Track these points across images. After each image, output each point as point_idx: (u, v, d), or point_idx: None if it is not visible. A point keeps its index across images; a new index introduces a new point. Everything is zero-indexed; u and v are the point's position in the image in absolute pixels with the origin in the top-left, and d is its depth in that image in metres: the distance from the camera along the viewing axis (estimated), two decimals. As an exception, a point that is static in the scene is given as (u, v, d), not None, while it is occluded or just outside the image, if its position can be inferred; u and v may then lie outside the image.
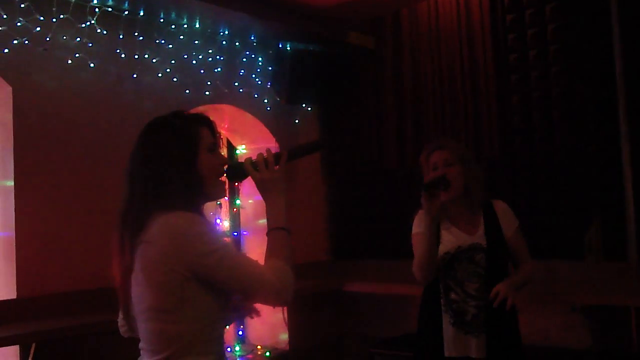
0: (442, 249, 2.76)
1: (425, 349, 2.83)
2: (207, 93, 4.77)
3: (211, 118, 1.88)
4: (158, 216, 1.66)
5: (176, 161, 1.72)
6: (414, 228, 2.87)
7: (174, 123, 1.80)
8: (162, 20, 4.42)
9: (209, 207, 5.01)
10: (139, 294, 1.70)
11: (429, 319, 2.81)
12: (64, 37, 3.91)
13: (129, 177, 1.76)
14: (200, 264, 1.64)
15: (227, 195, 5.35)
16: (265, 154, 1.87)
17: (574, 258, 4.19)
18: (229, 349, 5.08)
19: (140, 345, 1.73)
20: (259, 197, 1.89)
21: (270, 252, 1.80)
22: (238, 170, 1.89)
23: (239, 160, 1.92)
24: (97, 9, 4.00)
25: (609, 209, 4.11)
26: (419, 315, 2.92)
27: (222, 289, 1.69)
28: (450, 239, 2.76)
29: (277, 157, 1.88)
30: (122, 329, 1.86)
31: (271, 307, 1.82)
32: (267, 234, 1.83)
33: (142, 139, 1.79)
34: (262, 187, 1.86)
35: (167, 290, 1.64)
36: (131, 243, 1.69)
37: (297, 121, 5.51)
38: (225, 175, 1.86)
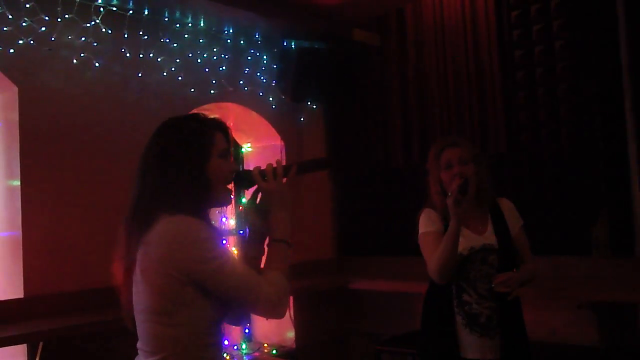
0: None
1: (437, 351, 2.80)
2: (212, 92, 4.77)
3: (209, 115, 1.87)
4: (163, 218, 1.65)
5: (187, 164, 1.71)
6: (422, 227, 2.82)
7: (190, 125, 1.78)
8: (166, 19, 4.43)
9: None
10: (138, 294, 1.70)
11: (439, 320, 2.77)
12: (69, 37, 3.91)
13: (140, 174, 1.76)
14: (197, 270, 1.63)
15: (233, 194, 5.35)
16: (274, 165, 1.86)
17: (581, 254, 4.18)
18: (235, 347, 5.09)
19: (138, 345, 1.73)
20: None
21: (269, 264, 1.78)
22: (246, 178, 1.88)
23: (248, 169, 1.91)
24: (101, 9, 4.00)
25: (615, 205, 4.10)
26: (424, 315, 2.90)
27: (218, 297, 1.68)
28: (461, 240, 2.72)
29: (286, 169, 1.87)
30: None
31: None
32: (268, 245, 1.82)
33: (156, 138, 1.78)
34: (268, 198, 1.84)
35: (163, 293, 1.64)
36: (136, 243, 1.69)
37: (302, 119, 5.51)
38: (232, 182, 1.85)
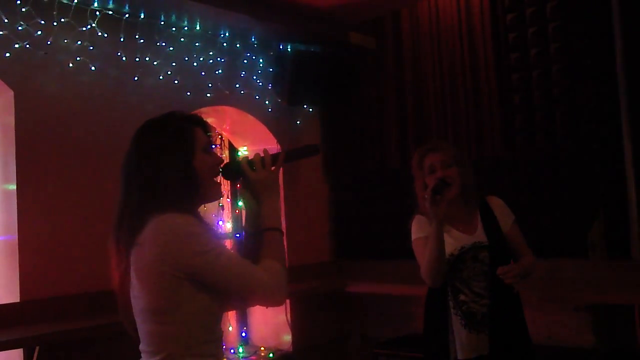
0: (446, 251, 2.72)
1: (439, 353, 2.78)
2: (208, 95, 4.77)
3: (204, 118, 1.88)
4: (153, 218, 1.65)
5: (172, 163, 1.71)
6: (414, 233, 2.84)
7: (168, 124, 1.79)
8: (162, 22, 4.43)
9: (210, 208, 5.05)
10: (135, 296, 1.70)
11: (439, 323, 2.77)
12: (65, 41, 3.91)
13: (124, 180, 1.76)
14: (192, 265, 1.63)
15: (229, 196, 5.35)
16: (262, 154, 1.86)
17: (577, 256, 4.19)
18: (232, 351, 5.08)
19: (140, 346, 1.73)
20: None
21: (264, 253, 1.78)
22: (234, 169, 1.88)
23: (236, 160, 1.92)
24: (97, 12, 4.00)
25: (612, 207, 4.11)
26: (425, 318, 2.90)
27: (217, 289, 1.68)
28: (450, 241, 2.73)
29: (274, 157, 1.87)
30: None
31: (271, 308, 1.80)
32: (261, 234, 1.82)
33: (137, 141, 1.78)
34: (258, 187, 1.85)
35: (160, 292, 1.64)
36: (127, 245, 1.69)
37: (298, 122, 5.51)
38: (221, 174, 1.85)
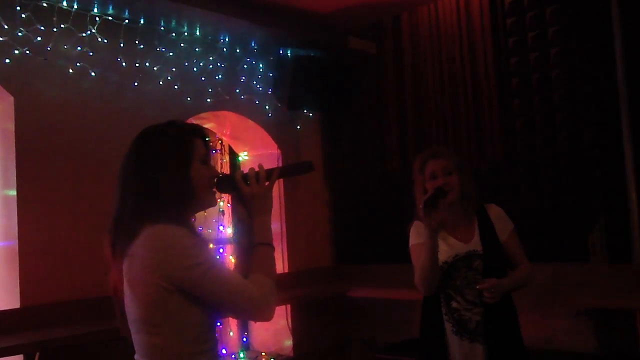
0: (440, 258, 2.71)
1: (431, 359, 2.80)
2: (208, 100, 4.77)
3: (205, 129, 1.87)
4: (146, 228, 1.65)
5: (168, 171, 1.71)
6: (411, 239, 2.84)
7: (168, 132, 1.78)
8: (162, 28, 4.44)
9: (211, 213, 5.05)
10: (128, 306, 1.70)
11: (431, 329, 2.78)
12: (65, 47, 3.92)
13: (120, 185, 1.76)
14: (182, 278, 1.63)
15: (230, 202, 5.35)
16: (257, 169, 1.87)
17: (578, 261, 4.18)
18: (233, 356, 5.07)
19: (135, 356, 1.73)
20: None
21: (254, 267, 1.78)
22: (229, 183, 1.88)
23: (230, 173, 1.92)
24: (97, 18, 4.02)
25: (612, 211, 4.10)
26: (421, 324, 2.90)
27: (207, 302, 1.68)
28: (445, 249, 2.73)
29: (268, 173, 1.87)
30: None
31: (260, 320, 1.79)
32: (252, 249, 1.82)
33: (135, 147, 1.78)
34: (251, 201, 1.85)
35: (151, 303, 1.64)
36: (121, 255, 1.69)
37: (298, 127, 5.51)
38: (215, 187, 1.85)
